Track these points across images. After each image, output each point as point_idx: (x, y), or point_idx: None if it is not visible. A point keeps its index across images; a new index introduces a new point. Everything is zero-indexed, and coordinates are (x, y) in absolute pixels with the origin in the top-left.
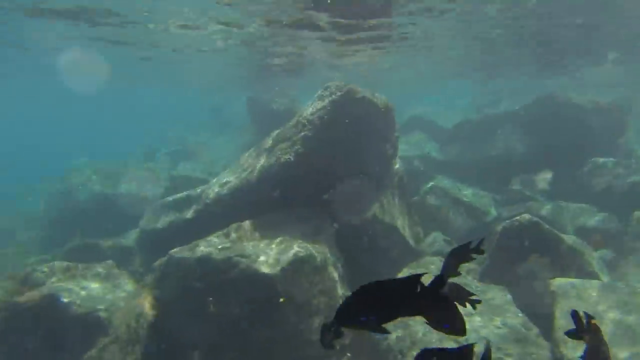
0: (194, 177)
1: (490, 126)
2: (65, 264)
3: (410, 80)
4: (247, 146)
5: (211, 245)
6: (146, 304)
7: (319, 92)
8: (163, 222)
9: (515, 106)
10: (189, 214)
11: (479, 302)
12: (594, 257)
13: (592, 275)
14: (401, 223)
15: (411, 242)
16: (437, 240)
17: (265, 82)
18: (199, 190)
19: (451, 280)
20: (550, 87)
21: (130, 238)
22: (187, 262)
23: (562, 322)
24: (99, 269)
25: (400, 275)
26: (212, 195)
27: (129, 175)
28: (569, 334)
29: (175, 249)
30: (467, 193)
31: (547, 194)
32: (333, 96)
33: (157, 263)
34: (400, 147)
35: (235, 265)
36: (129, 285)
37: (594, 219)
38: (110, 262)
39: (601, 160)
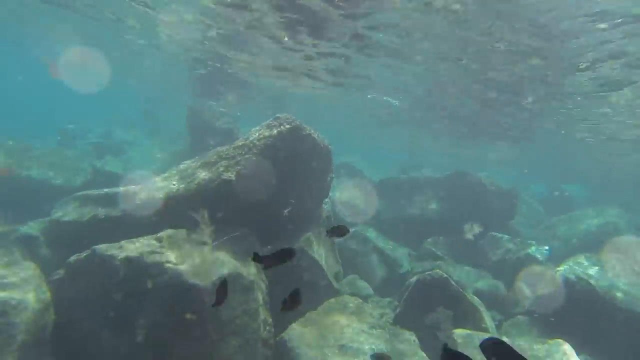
0: (120, 174)
1: (412, 187)
2: None
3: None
4: (180, 155)
5: (142, 247)
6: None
7: (269, 120)
8: (82, 215)
9: (435, 174)
10: (116, 211)
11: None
12: (487, 315)
13: (485, 330)
14: (325, 260)
15: (332, 279)
16: (354, 282)
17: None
18: (128, 189)
19: None
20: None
21: (33, 227)
22: (112, 260)
23: None
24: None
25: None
26: (144, 196)
27: (42, 159)
28: None
29: (101, 245)
30: (385, 244)
31: (452, 255)
32: (281, 127)
33: (73, 258)
34: None
35: (165, 271)
36: (33, 277)
37: (487, 283)
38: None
39: (498, 235)
